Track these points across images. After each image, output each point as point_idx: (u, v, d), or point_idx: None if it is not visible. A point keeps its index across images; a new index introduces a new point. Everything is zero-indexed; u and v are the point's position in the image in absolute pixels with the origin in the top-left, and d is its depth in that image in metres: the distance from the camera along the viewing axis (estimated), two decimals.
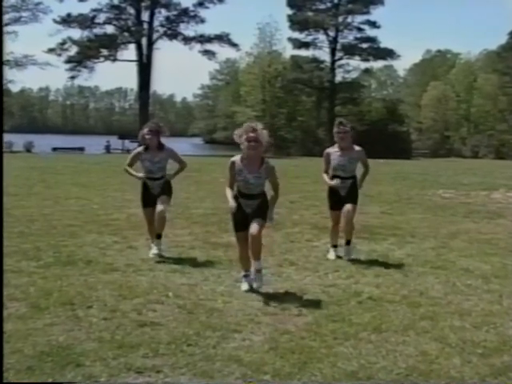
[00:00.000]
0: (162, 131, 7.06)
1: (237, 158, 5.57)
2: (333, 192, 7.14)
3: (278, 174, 5.75)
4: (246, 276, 5.71)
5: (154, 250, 6.87)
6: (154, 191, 7.01)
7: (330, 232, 7.38)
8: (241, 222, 5.61)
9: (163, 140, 7.12)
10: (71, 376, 3.67)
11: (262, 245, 5.64)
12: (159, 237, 6.98)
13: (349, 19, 53.95)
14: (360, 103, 54.81)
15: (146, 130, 6.93)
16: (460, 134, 67.46)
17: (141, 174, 7.00)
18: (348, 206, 7.04)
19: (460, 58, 77.91)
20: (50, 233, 8.36)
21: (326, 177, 7.19)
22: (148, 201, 7.03)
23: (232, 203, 5.52)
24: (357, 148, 7.12)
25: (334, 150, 7.14)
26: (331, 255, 7.16)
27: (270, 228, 8.33)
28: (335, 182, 7.03)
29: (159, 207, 6.87)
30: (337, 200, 7.12)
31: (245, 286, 5.62)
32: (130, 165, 7.10)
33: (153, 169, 6.97)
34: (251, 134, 5.37)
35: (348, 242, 7.16)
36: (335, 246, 7.25)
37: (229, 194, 5.60)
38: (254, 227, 5.49)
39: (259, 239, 5.51)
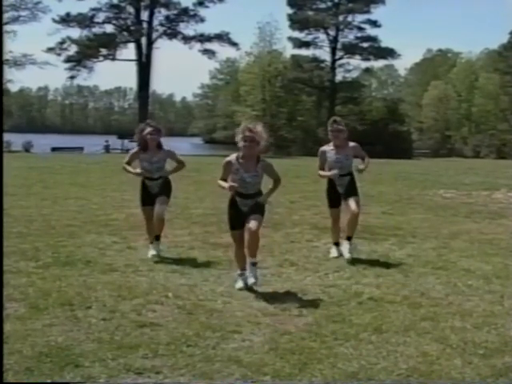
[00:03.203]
0: (163, 131, 7.05)
1: (232, 157, 5.55)
2: (331, 190, 7.12)
3: (278, 174, 5.76)
4: (241, 275, 5.70)
5: (153, 251, 6.83)
6: (153, 190, 6.96)
7: (331, 230, 7.33)
8: (237, 219, 5.62)
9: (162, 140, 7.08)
10: (70, 377, 3.66)
11: (259, 243, 5.65)
12: (158, 238, 6.98)
13: (349, 18, 53.92)
14: (360, 103, 54.78)
15: (149, 129, 6.87)
16: (461, 133, 67.45)
17: (139, 170, 6.92)
18: (352, 201, 6.97)
19: (461, 57, 77.81)
20: (49, 233, 8.34)
21: (323, 172, 7.13)
22: (147, 199, 7.00)
23: (228, 184, 5.44)
24: (351, 144, 7.10)
25: (329, 148, 7.10)
26: (333, 253, 7.09)
27: (270, 228, 8.33)
28: (333, 172, 6.94)
29: (157, 208, 6.85)
30: (336, 197, 7.10)
31: (239, 284, 5.63)
32: (129, 163, 7.04)
33: (151, 169, 6.91)
34: (247, 134, 5.37)
35: (349, 238, 7.00)
36: (337, 244, 7.16)
37: (222, 182, 5.56)
38: (252, 223, 5.48)
39: (257, 235, 5.50)
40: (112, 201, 12.03)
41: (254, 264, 5.61)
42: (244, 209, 5.58)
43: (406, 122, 58.33)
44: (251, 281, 5.56)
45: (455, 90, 69.80)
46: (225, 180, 5.56)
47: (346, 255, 6.88)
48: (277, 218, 9.66)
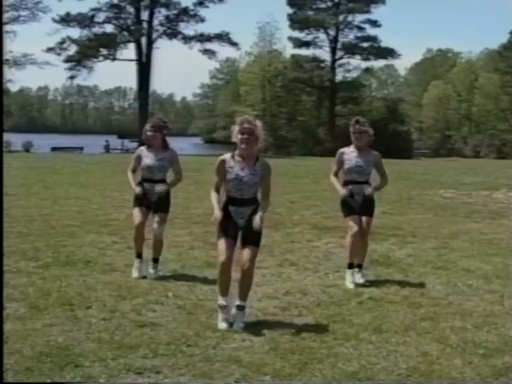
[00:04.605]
0: (166, 128, 6.33)
1: (227, 155, 4.80)
2: (348, 198, 6.12)
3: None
4: (223, 308, 4.71)
5: (152, 275, 6.11)
6: (151, 197, 6.20)
7: (351, 243, 6.09)
8: (229, 228, 4.73)
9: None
10: (70, 377, 3.66)
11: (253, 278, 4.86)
12: (156, 261, 6.24)
13: (349, 18, 53.81)
14: (360, 103, 54.64)
15: (148, 126, 6.24)
16: (461, 133, 67.48)
17: (138, 189, 6.20)
18: (363, 221, 6.12)
19: (461, 57, 77.84)
20: (49, 233, 8.34)
21: (336, 182, 6.23)
22: (141, 201, 6.21)
23: (217, 213, 4.70)
24: (374, 152, 6.33)
25: (349, 150, 6.26)
26: (349, 281, 5.97)
27: (270, 228, 8.32)
28: (347, 192, 6.08)
29: (155, 228, 6.18)
30: (353, 205, 6.11)
31: (223, 324, 4.61)
32: (134, 169, 6.35)
33: (153, 166, 6.16)
34: (246, 125, 4.65)
35: (360, 266, 6.14)
36: (352, 266, 6.07)
37: (214, 199, 4.80)
38: (246, 255, 4.67)
39: (251, 271, 4.72)
40: (112, 201, 12.02)
41: (241, 308, 4.71)
42: (239, 221, 4.75)
43: (406, 122, 58.16)
44: (240, 325, 4.62)
45: (455, 90, 69.80)
46: (219, 184, 4.82)
47: (360, 280, 6.03)
48: (277, 217, 9.66)
